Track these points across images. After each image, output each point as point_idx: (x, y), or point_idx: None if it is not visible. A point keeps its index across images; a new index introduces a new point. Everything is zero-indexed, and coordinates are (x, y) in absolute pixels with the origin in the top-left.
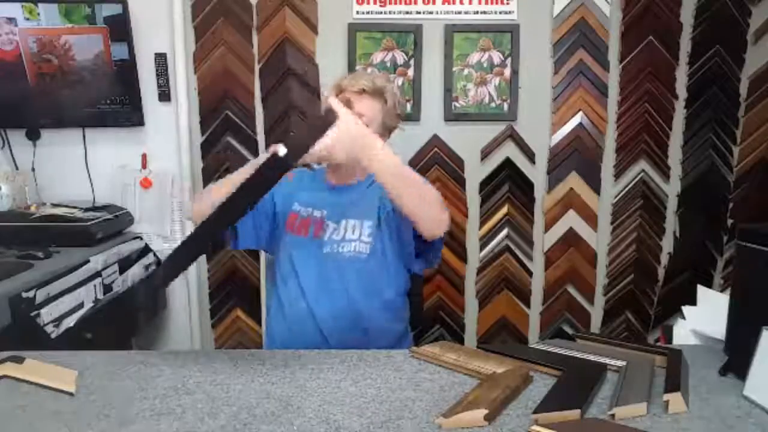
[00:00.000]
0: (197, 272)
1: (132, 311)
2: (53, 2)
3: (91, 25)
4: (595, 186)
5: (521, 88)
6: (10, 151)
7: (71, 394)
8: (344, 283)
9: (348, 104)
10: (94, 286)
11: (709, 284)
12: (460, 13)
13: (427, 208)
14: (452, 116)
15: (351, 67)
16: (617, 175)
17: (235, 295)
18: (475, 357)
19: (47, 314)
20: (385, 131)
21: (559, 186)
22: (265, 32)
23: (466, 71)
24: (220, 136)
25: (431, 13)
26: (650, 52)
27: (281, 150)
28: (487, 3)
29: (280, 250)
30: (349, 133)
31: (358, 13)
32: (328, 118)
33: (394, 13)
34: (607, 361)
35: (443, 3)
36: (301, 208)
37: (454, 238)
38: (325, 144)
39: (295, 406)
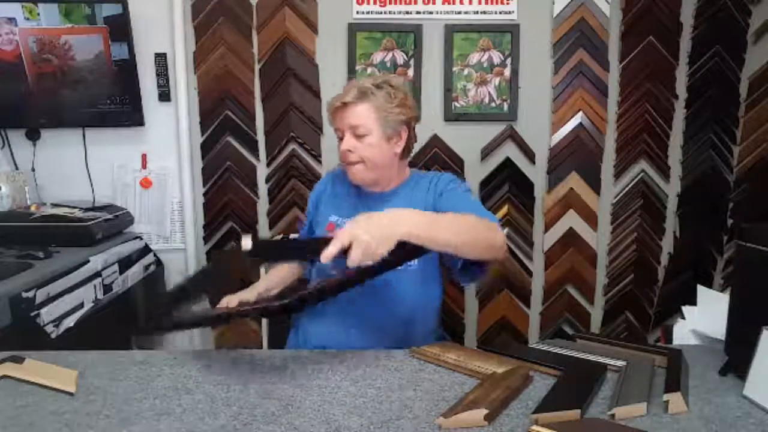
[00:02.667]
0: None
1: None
2: (53, 2)
3: (91, 25)
4: (595, 186)
5: (521, 88)
6: (10, 151)
7: (71, 394)
8: (397, 294)
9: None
10: (94, 286)
11: (709, 284)
12: (460, 13)
13: (481, 249)
14: (452, 116)
15: (351, 67)
16: (617, 175)
17: None
18: (475, 357)
19: (47, 314)
20: (395, 130)
21: (559, 186)
22: (265, 32)
23: (466, 71)
24: (220, 136)
25: (431, 13)
26: (650, 52)
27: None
28: (487, 3)
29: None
30: (369, 233)
31: (358, 13)
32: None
33: (394, 13)
34: (607, 361)
35: (443, 3)
36: (338, 218)
37: None
38: (359, 258)
39: (295, 406)
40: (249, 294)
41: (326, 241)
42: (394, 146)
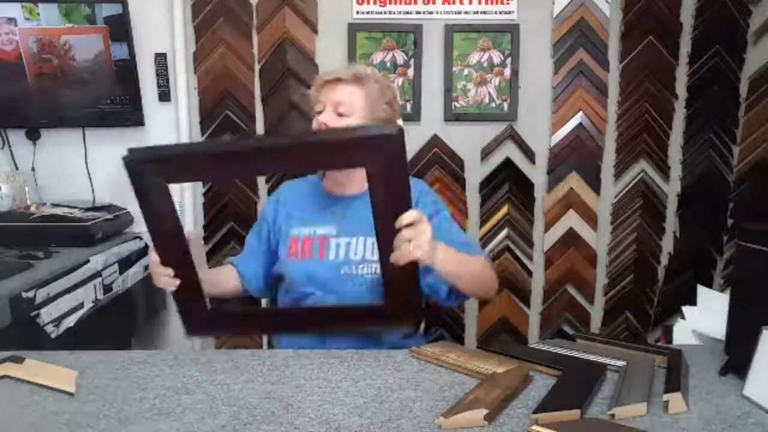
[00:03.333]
0: None
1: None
2: (53, 2)
3: (91, 25)
4: (595, 186)
5: (521, 88)
6: (10, 151)
7: (71, 394)
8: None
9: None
10: (94, 286)
11: (709, 284)
12: (460, 13)
13: (480, 290)
14: (452, 116)
15: None
16: (617, 175)
17: None
18: (475, 357)
19: (47, 314)
20: (374, 120)
21: (559, 186)
22: (265, 32)
23: (466, 71)
24: (220, 136)
25: (431, 13)
26: (650, 52)
27: None
28: (487, 3)
29: (287, 277)
30: (427, 234)
31: (358, 13)
32: None
33: (394, 13)
34: (607, 361)
35: (443, 3)
36: (300, 230)
37: None
38: (424, 250)
39: (295, 406)
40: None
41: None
42: None
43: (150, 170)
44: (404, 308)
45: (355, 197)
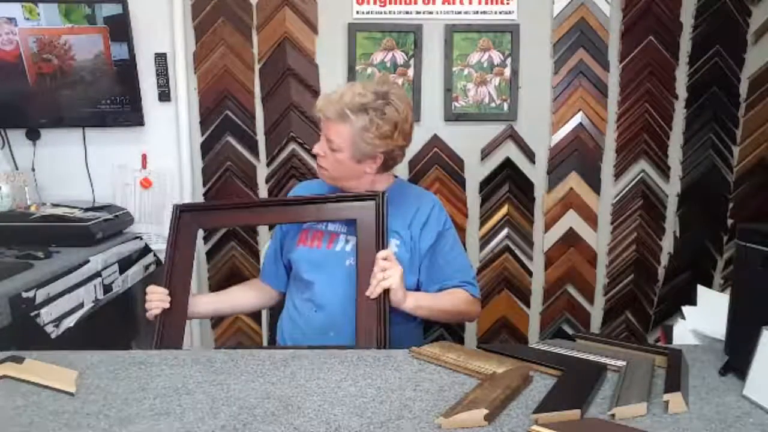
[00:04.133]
0: (197, 272)
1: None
2: (53, 2)
3: (91, 25)
4: (595, 186)
5: (521, 88)
6: (10, 151)
7: (71, 394)
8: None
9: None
10: (94, 286)
11: (709, 284)
12: (460, 13)
13: (456, 321)
14: (452, 116)
15: (351, 67)
16: (617, 175)
17: None
18: (475, 357)
19: (47, 314)
20: (367, 155)
21: (559, 186)
22: (265, 32)
23: (466, 71)
24: (220, 136)
25: (431, 13)
26: (650, 52)
27: None
28: (487, 3)
29: (295, 264)
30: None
31: (358, 13)
32: None
33: (394, 13)
34: (607, 361)
35: (443, 3)
36: (311, 224)
37: None
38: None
39: (295, 406)
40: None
41: None
42: (365, 167)
43: (192, 218)
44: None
45: None
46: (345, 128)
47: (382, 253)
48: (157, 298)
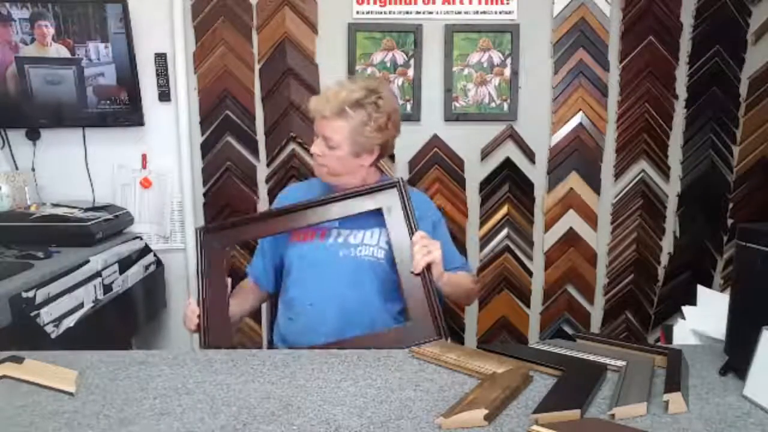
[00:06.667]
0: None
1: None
2: (55, 2)
3: (92, 24)
4: (595, 186)
5: (521, 88)
6: (10, 151)
7: (71, 394)
8: (361, 286)
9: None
10: (94, 286)
11: (709, 284)
12: (460, 13)
13: (464, 301)
14: (452, 116)
15: (351, 67)
16: (617, 175)
17: None
18: (475, 357)
19: (47, 314)
20: (365, 148)
21: (559, 186)
22: (265, 32)
23: (466, 71)
24: (220, 136)
25: (431, 13)
26: (650, 52)
27: None
28: (487, 3)
29: (287, 260)
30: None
31: (358, 13)
32: None
33: (394, 13)
34: (607, 361)
35: (443, 3)
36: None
37: (454, 239)
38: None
39: (295, 406)
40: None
41: None
42: (363, 161)
43: (214, 238)
44: (426, 322)
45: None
46: (343, 125)
47: (419, 233)
48: (191, 314)
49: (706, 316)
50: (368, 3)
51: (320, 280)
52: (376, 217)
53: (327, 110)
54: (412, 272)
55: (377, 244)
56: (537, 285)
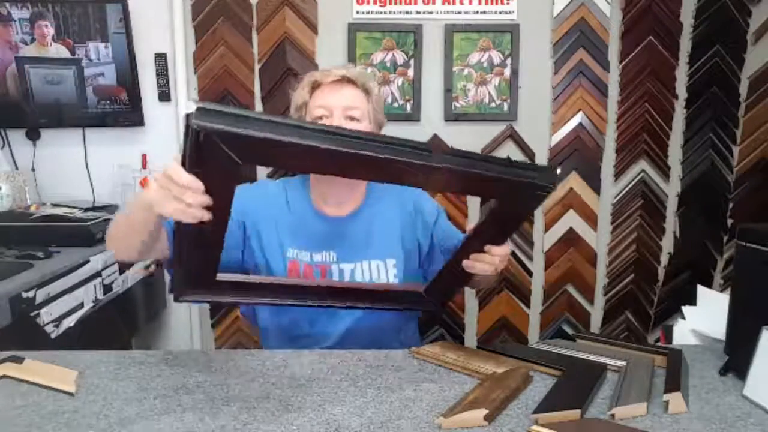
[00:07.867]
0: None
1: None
2: (53, 2)
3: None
4: (595, 186)
5: (521, 88)
6: (10, 151)
7: (71, 394)
8: (368, 323)
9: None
10: (94, 286)
11: (709, 284)
12: (460, 13)
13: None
14: (452, 116)
15: None
16: (617, 175)
17: None
18: (475, 357)
19: (47, 314)
20: (377, 127)
21: (559, 186)
22: (265, 32)
23: (466, 71)
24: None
25: (431, 13)
26: (650, 52)
27: None
28: (487, 3)
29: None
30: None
31: (358, 13)
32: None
33: (394, 13)
34: (607, 361)
35: (443, 3)
36: (296, 252)
37: None
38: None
39: (295, 406)
40: None
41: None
42: None
43: (220, 148)
44: (438, 298)
45: (349, 219)
46: (363, 96)
47: (499, 251)
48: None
49: (706, 316)
50: (368, 3)
51: (325, 312)
52: (381, 235)
53: (353, 73)
54: (461, 265)
55: (386, 277)
56: (537, 285)
